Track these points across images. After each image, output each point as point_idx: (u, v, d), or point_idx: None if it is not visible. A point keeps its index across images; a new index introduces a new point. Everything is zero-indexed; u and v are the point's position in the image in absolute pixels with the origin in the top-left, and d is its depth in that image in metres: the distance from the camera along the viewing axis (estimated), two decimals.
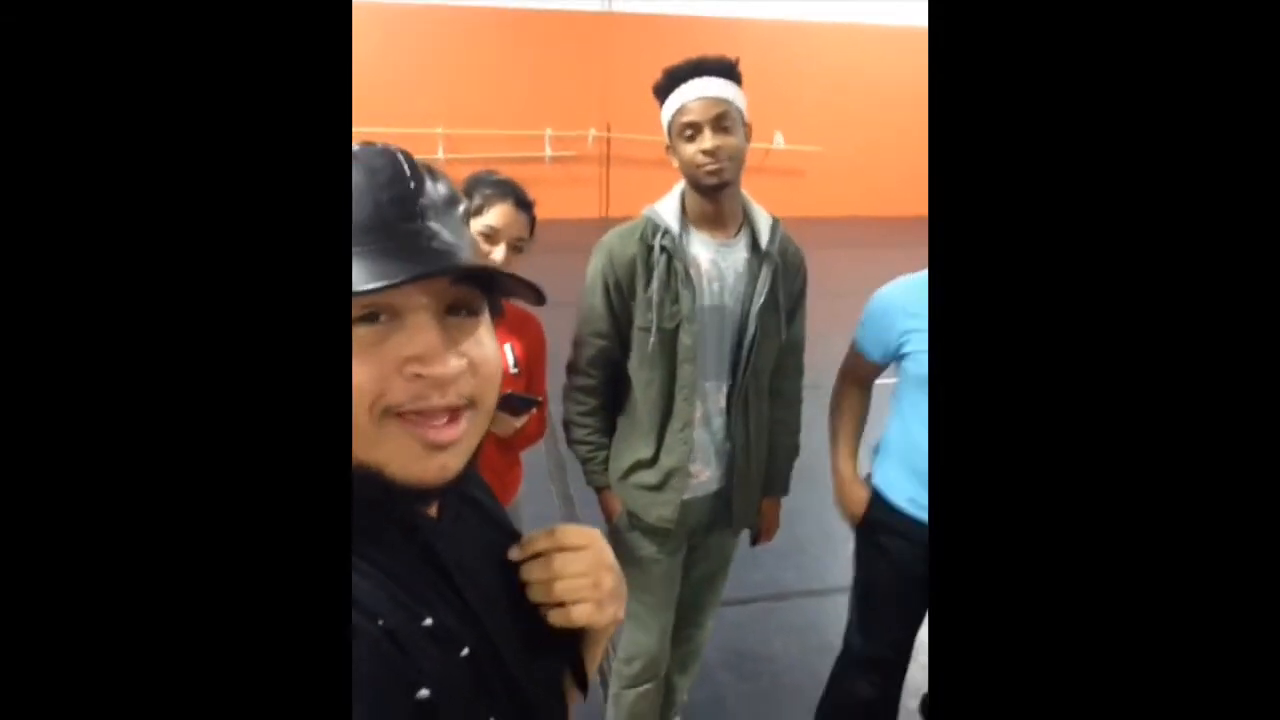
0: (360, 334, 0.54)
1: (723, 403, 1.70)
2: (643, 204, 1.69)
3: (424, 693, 0.54)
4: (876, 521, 1.79)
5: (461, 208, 0.62)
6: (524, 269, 1.68)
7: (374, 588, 0.56)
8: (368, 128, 8.27)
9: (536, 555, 0.69)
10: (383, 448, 0.55)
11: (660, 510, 1.73)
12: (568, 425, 1.82)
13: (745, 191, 1.70)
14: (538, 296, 0.62)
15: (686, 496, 1.74)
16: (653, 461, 1.72)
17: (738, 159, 1.58)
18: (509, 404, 1.60)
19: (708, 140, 1.53)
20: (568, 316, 1.72)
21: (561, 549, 0.69)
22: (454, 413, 0.57)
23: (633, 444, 1.75)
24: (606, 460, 1.80)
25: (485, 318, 0.61)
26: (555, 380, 1.82)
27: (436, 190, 0.59)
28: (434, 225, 0.57)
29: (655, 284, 1.60)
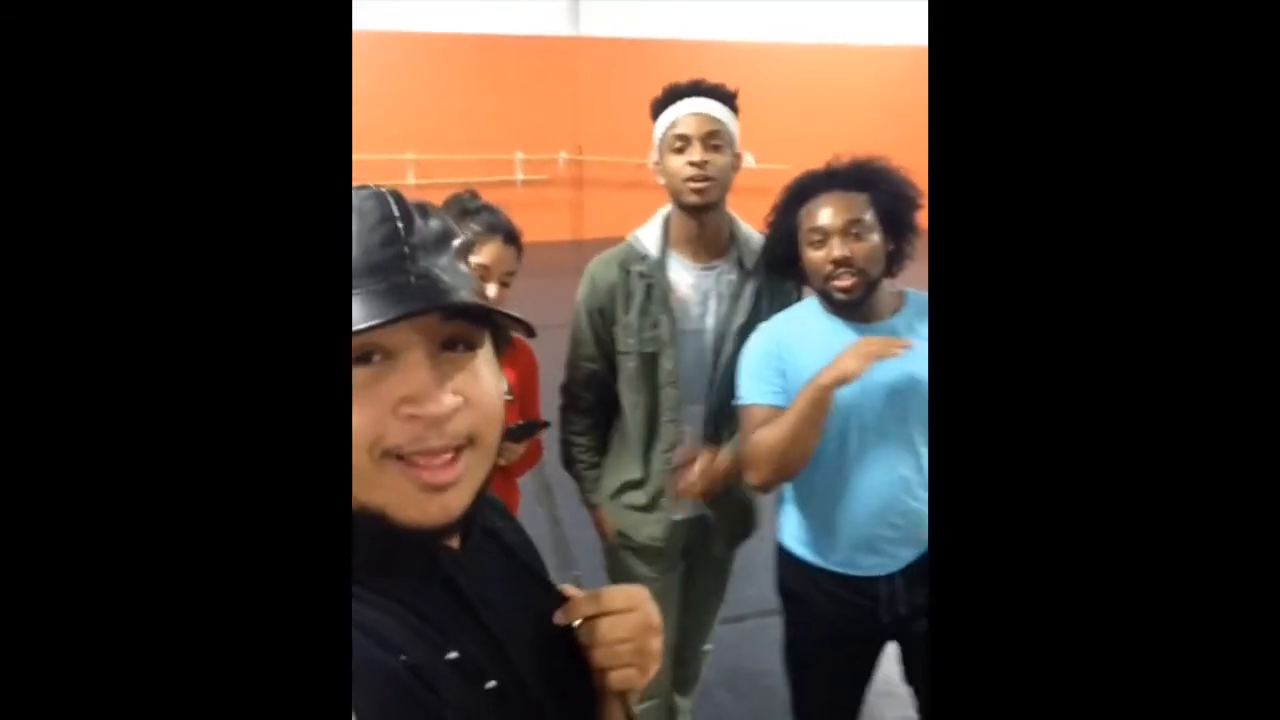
0: (355, 375, 0.54)
1: (702, 426, 1.70)
2: (616, 225, 1.70)
3: None
4: (789, 589, 1.64)
5: (457, 242, 0.62)
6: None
7: (396, 622, 0.55)
8: None
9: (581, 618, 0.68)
10: (382, 490, 0.55)
11: (650, 530, 1.73)
12: (563, 445, 1.82)
13: (733, 212, 1.70)
14: (528, 330, 0.62)
15: (676, 517, 1.73)
16: (641, 482, 1.72)
17: (724, 180, 1.59)
18: (513, 433, 1.59)
19: (696, 153, 1.54)
20: (546, 339, 1.72)
21: (606, 614, 0.68)
22: (454, 452, 0.57)
23: (623, 464, 1.75)
24: (599, 479, 1.79)
25: (485, 351, 0.61)
26: (547, 403, 1.81)
27: (428, 228, 0.59)
28: (424, 264, 0.57)
29: (634, 309, 1.62)
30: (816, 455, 1.47)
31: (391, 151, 8.54)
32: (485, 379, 0.60)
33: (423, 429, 0.55)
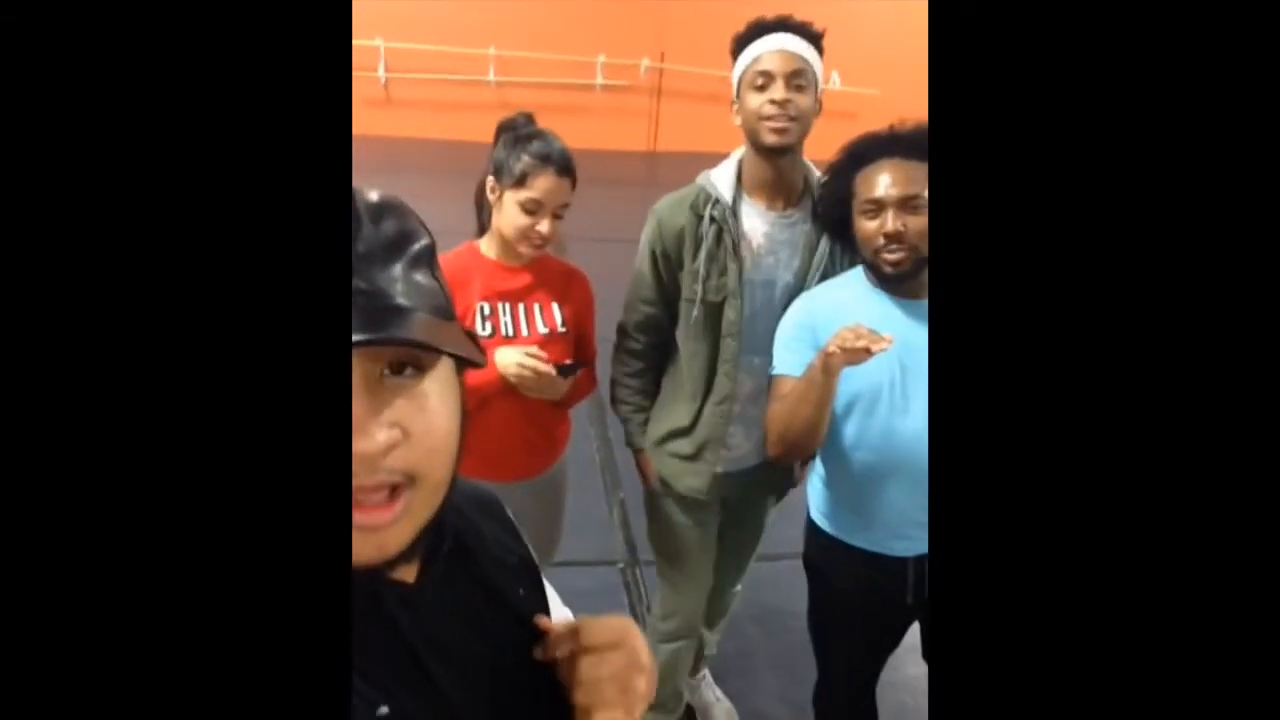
0: None
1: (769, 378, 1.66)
2: (691, 140, 1.66)
3: None
4: (815, 562, 1.69)
5: (415, 248, 0.55)
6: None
7: None
8: (416, 44, 8.15)
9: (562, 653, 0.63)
10: None
11: (691, 480, 1.71)
12: (613, 384, 1.82)
13: (809, 160, 1.62)
14: (478, 364, 0.56)
15: (720, 470, 1.71)
16: (689, 431, 1.70)
17: (805, 122, 1.52)
18: (569, 369, 1.59)
19: (779, 91, 1.47)
20: (613, 253, 1.70)
21: (587, 650, 0.63)
22: (391, 491, 0.52)
23: (672, 411, 1.73)
24: (646, 423, 1.78)
25: (439, 372, 0.55)
26: (607, 329, 1.79)
27: (377, 235, 0.53)
28: (363, 283, 0.51)
29: (703, 256, 1.55)
30: (848, 436, 1.46)
31: (473, 45, 8.41)
32: (433, 408, 0.54)
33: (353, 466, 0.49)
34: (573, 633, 0.63)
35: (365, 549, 0.51)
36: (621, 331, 1.78)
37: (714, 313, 1.59)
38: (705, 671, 2.15)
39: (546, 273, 1.69)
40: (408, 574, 0.59)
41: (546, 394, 1.60)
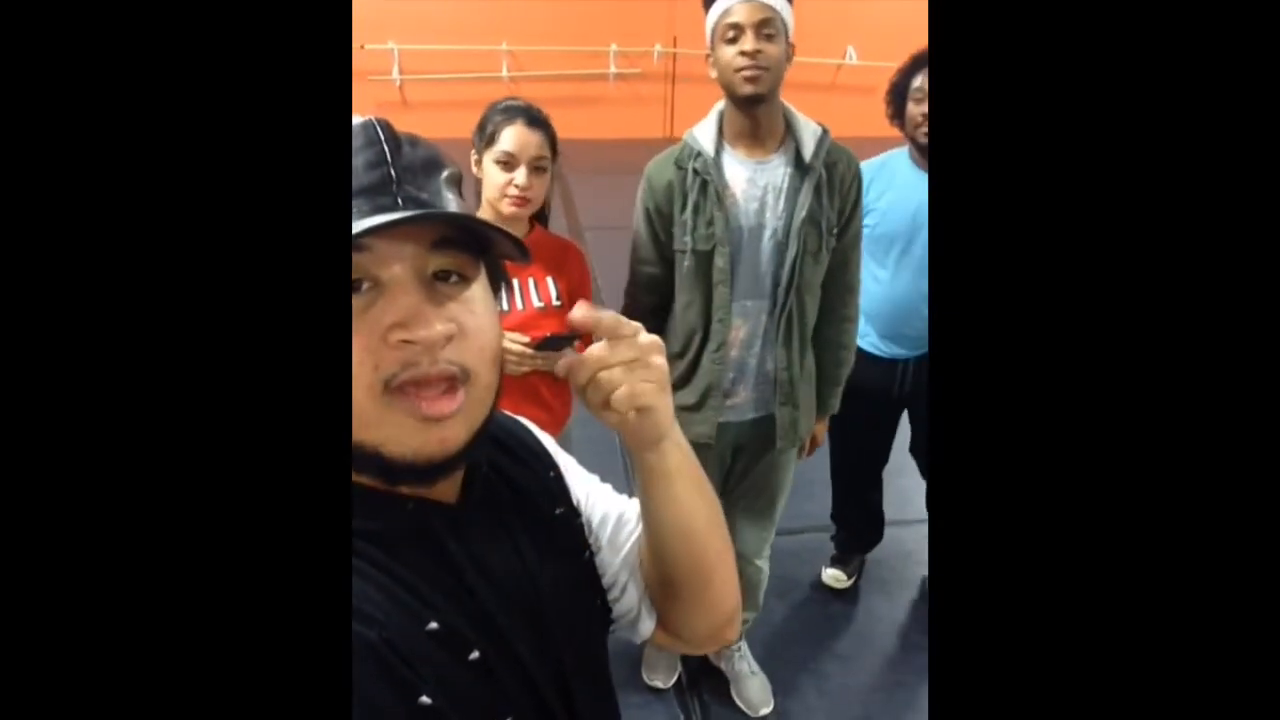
0: None
1: (765, 323, 1.70)
2: None
3: (425, 699, 0.53)
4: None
5: (446, 172, 0.59)
6: (583, 192, 1.68)
7: (375, 591, 0.54)
8: (429, 45, 8.21)
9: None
10: (382, 427, 0.53)
11: (698, 428, 1.75)
12: None
13: (788, 103, 1.66)
14: (522, 251, 0.59)
15: (722, 419, 1.76)
16: (689, 380, 1.75)
17: (777, 70, 1.55)
18: (549, 343, 1.61)
19: (749, 42, 1.51)
20: (625, 241, 1.72)
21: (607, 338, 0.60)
22: (450, 383, 0.55)
23: (673, 364, 1.78)
24: None
25: (480, 285, 0.58)
26: (615, 305, 1.82)
27: (415, 154, 0.57)
28: (411, 188, 0.55)
29: (689, 207, 1.61)
30: (867, 266, 2.03)
31: (485, 42, 8.45)
32: (480, 312, 0.57)
33: (414, 355, 0.53)
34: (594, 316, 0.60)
35: (430, 442, 0.54)
36: (628, 294, 1.82)
37: (704, 261, 1.64)
38: (742, 644, 2.19)
39: (541, 247, 1.71)
40: (450, 494, 0.62)
41: (542, 367, 1.64)
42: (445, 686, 0.54)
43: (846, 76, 9.16)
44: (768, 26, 1.51)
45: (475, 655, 0.57)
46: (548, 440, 0.81)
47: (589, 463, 0.82)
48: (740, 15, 1.51)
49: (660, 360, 0.62)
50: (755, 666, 2.15)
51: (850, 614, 2.38)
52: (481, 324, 0.57)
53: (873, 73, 9.68)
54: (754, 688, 2.12)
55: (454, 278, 0.56)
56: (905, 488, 2.58)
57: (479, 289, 0.58)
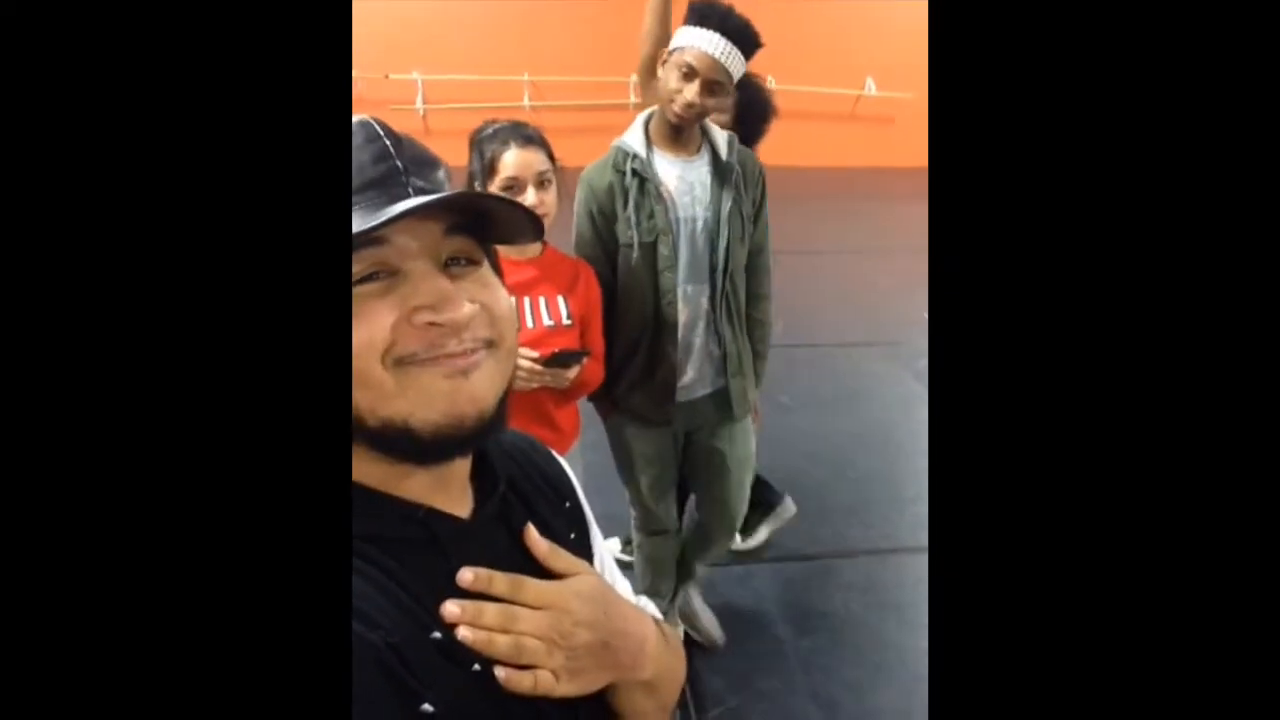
0: (362, 292, 0.53)
1: (705, 305, 1.86)
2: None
3: (427, 707, 0.52)
4: None
5: (441, 171, 0.61)
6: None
7: (382, 597, 0.54)
8: (450, 75, 8.35)
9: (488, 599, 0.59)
10: (405, 396, 0.54)
11: (653, 412, 1.92)
12: None
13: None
14: (536, 225, 0.61)
15: (678, 400, 1.91)
16: (649, 373, 1.89)
17: (708, 111, 1.73)
18: (559, 360, 1.63)
19: (693, 93, 1.67)
20: None
21: (516, 604, 0.59)
22: (475, 353, 0.57)
23: (624, 353, 1.90)
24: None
25: (486, 266, 0.61)
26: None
27: (413, 149, 0.59)
28: (417, 179, 0.56)
29: (631, 204, 1.78)
30: None
31: (508, 72, 8.59)
32: (494, 284, 0.60)
33: (440, 336, 0.54)
34: (513, 582, 0.60)
35: (461, 400, 0.55)
36: None
37: (649, 252, 1.80)
38: (696, 585, 2.34)
39: (553, 267, 1.76)
40: (463, 508, 0.62)
41: (550, 385, 1.67)
42: (447, 695, 0.54)
43: (866, 107, 9.22)
44: (717, 88, 1.69)
45: (478, 667, 0.57)
46: (569, 469, 0.81)
47: (597, 483, 0.82)
48: (698, 62, 1.66)
49: (585, 636, 0.61)
50: (705, 605, 2.37)
51: (861, 645, 2.35)
52: (498, 295, 0.60)
53: (892, 104, 9.79)
54: (706, 622, 2.34)
55: (463, 262, 0.59)
56: (919, 514, 2.56)
57: (486, 268, 0.61)
